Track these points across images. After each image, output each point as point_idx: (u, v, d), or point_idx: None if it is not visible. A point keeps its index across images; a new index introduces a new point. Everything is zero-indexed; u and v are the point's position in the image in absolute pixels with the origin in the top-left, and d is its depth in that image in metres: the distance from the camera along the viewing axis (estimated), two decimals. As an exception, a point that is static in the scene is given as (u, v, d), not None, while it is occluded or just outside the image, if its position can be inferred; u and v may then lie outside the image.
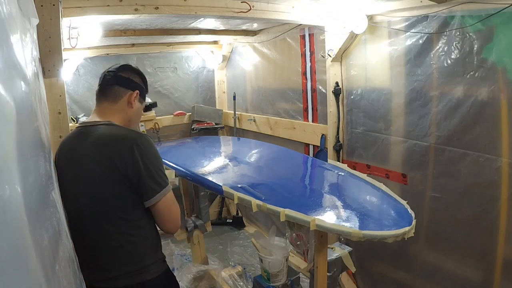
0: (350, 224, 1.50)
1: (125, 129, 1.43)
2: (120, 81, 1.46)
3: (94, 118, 1.44)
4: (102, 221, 1.33)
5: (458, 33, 2.01)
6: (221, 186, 1.82)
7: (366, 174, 2.12)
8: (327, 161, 2.39)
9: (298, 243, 2.00)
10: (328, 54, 2.82)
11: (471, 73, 1.97)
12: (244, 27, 3.44)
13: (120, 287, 1.35)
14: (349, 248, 2.09)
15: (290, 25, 3.15)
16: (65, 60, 3.16)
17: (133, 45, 3.79)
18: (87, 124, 1.43)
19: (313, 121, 3.24)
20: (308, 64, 3.20)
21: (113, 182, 1.30)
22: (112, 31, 3.04)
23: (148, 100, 1.66)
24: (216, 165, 2.47)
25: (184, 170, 2.15)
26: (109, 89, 1.45)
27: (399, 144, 2.46)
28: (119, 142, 1.32)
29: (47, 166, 0.95)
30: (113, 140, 1.33)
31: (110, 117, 1.43)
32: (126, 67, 1.51)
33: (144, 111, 1.62)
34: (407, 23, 2.29)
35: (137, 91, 1.49)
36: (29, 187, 0.58)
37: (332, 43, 2.79)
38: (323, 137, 3.06)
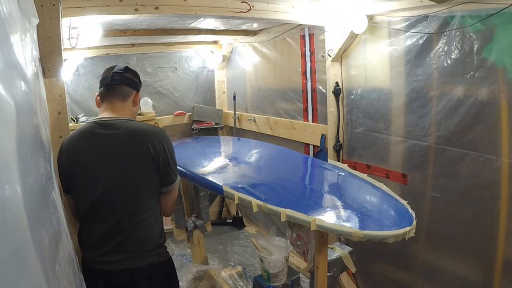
0: (351, 224, 1.50)
1: (148, 124, 1.62)
2: (128, 82, 1.59)
3: (108, 114, 1.54)
4: (129, 202, 1.47)
5: (458, 33, 2.01)
6: (221, 186, 1.81)
7: (366, 174, 2.12)
8: (327, 161, 2.39)
9: (298, 243, 2.00)
10: (328, 54, 2.82)
11: (471, 73, 1.97)
12: (244, 27, 3.44)
13: (130, 268, 1.45)
14: (349, 248, 2.09)
15: (290, 25, 3.15)
16: (65, 60, 3.15)
17: (133, 45, 3.79)
18: (106, 118, 1.52)
19: (313, 121, 3.24)
20: (308, 64, 3.20)
21: (145, 168, 1.47)
22: (112, 31, 3.04)
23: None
24: (216, 165, 2.47)
25: (184, 170, 2.14)
26: (119, 88, 1.57)
27: (399, 144, 2.46)
28: (150, 135, 1.49)
29: (47, 166, 0.95)
30: (144, 133, 1.50)
31: (123, 114, 1.56)
32: (129, 69, 1.63)
33: None
34: (407, 23, 2.29)
35: (140, 91, 1.67)
36: (29, 187, 0.58)
37: (332, 43, 2.79)
38: (323, 137, 3.06)
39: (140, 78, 1.69)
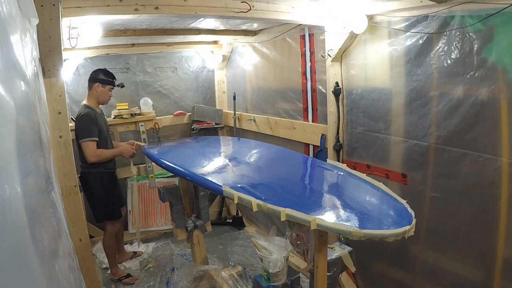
0: (351, 223, 1.50)
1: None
2: (89, 78, 3.13)
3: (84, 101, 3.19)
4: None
5: (458, 33, 2.01)
6: (221, 186, 1.81)
7: (365, 174, 2.12)
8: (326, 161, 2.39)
9: (298, 242, 2.00)
10: (328, 54, 2.82)
11: (471, 73, 1.97)
12: (244, 27, 3.44)
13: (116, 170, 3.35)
14: (349, 248, 2.09)
15: (290, 25, 3.15)
16: (65, 60, 3.16)
17: (133, 45, 3.80)
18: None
19: (313, 121, 3.24)
20: (308, 64, 3.20)
21: None
22: (112, 31, 3.04)
23: None
24: (216, 165, 2.47)
25: (184, 170, 2.14)
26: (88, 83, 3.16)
27: (399, 144, 2.46)
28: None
29: (47, 166, 0.95)
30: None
31: (87, 98, 3.17)
32: (94, 71, 3.15)
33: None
34: (407, 23, 2.29)
35: (100, 83, 3.07)
36: (29, 187, 0.58)
37: (332, 43, 2.79)
38: (323, 137, 3.06)
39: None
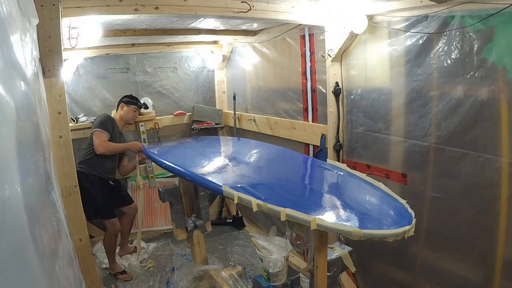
0: (351, 223, 1.50)
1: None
2: (120, 101, 3.54)
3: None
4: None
5: (458, 33, 2.01)
6: (220, 186, 1.81)
7: (365, 174, 2.12)
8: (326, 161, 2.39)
9: (298, 242, 2.00)
10: (328, 54, 2.82)
11: (471, 73, 1.97)
12: (244, 27, 3.44)
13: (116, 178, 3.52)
14: (349, 248, 2.09)
15: (290, 25, 3.15)
16: (65, 60, 3.16)
17: (133, 45, 3.79)
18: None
19: (313, 121, 3.24)
20: (308, 64, 3.20)
21: None
22: (112, 31, 3.04)
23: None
24: (216, 165, 2.47)
25: (183, 170, 2.14)
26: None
27: (399, 144, 2.46)
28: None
29: (47, 166, 0.95)
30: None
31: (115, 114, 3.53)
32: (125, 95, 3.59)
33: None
34: (407, 23, 2.29)
35: (125, 103, 3.50)
36: (29, 187, 0.58)
37: (332, 43, 2.79)
38: (323, 137, 3.06)
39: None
